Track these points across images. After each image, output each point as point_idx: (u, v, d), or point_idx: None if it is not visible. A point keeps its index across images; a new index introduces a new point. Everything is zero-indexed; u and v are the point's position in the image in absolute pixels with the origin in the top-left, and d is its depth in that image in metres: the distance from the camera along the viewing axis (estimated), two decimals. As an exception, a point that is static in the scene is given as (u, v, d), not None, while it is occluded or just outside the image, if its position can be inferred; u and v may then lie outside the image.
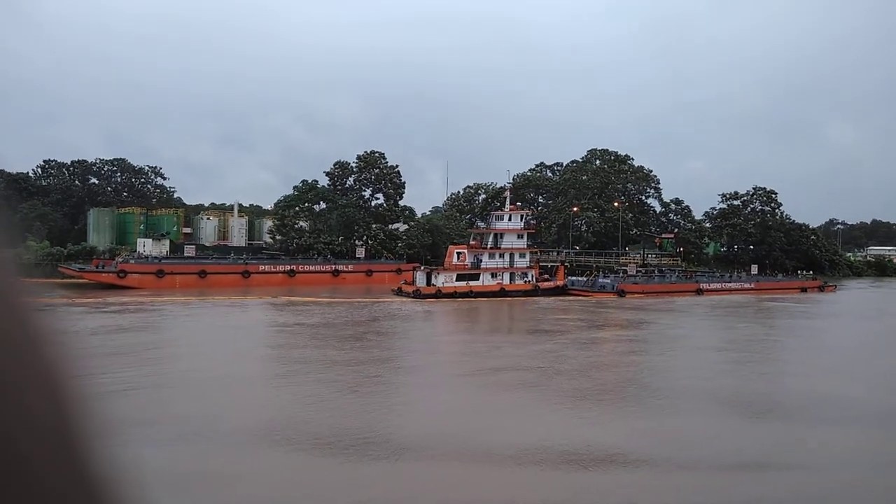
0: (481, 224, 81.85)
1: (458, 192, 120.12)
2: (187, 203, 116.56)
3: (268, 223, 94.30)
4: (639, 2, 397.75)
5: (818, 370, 29.17)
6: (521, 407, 20.88)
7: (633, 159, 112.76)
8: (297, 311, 47.27)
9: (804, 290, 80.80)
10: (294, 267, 74.55)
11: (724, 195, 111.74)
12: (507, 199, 75.26)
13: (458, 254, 67.19)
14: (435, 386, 23.79)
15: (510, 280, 67.92)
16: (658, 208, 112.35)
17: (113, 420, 0.83)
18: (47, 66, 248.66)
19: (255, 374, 25.01)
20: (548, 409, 20.52)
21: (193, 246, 77.88)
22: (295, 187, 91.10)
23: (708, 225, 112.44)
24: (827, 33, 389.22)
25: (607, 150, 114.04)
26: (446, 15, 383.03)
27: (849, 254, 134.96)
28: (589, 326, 42.38)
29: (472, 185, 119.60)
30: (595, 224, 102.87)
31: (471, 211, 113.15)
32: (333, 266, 77.28)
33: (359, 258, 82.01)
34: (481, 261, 67.44)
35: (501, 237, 69.41)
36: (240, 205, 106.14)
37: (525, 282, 68.61)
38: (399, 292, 63.41)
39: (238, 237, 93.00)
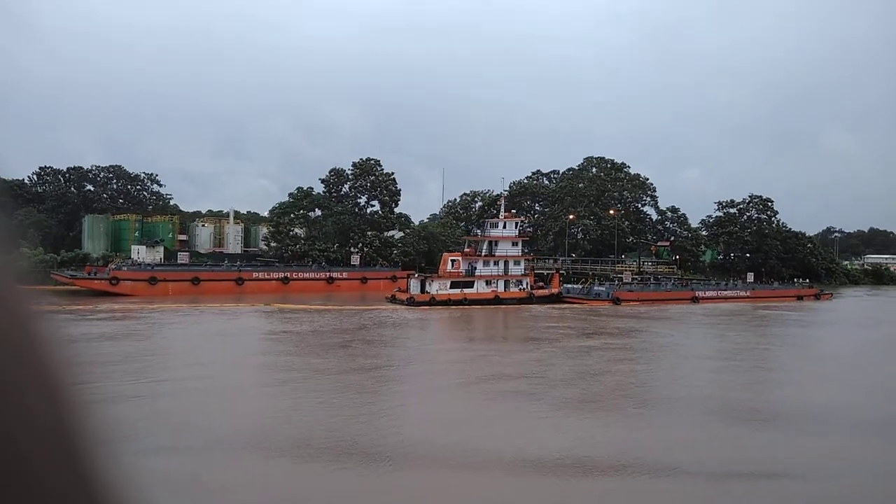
0: (478, 231, 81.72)
1: (455, 199, 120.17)
2: (185, 210, 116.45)
3: (263, 230, 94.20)
4: (637, 12, 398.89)
5: (808, 379, 29.01)
6: (510, 416, 20.70)
7: (629, 167, 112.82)
8: (286, 318, 47.06)
9: (800, 298, 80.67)
10: (288, 274, 74.32)
11: (720, 203, 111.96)
12: (502, 207, 75.14)
13: (453, 261, 66.91)
14: (421, 395, 23.57)
15: (505, 288, 67.69)
16: (654, 216, 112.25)
17: (109, 425, 0.84)
18: (45, 75, 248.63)
19: (239, 383, 24.72)
20: (535, 419, 20.31)
21: (187, 253, 77.69)
22: (290, 194, 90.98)
23: (704, 233, 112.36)
24: (826, 43, 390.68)
25: (603, 157, 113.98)
26: (445, 25, 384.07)
27: (846, 262, 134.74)
28: (579, 335, 42.15)
29: (468, 192, 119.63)
30: (591, 232, 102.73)
31: (467, 219, 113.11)
32: (328, 273, 77.08)
33: (354, 265, 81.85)
34: (476, 268, 67.19)
35: (496, 245, 69.24)
36: (237, 212, 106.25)
37: (520, 289, 68.39)
38: (393, 300, 63.19)
39: (234, 244, 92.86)
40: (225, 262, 75.14)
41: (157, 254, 76.22)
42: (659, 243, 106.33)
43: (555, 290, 70.09)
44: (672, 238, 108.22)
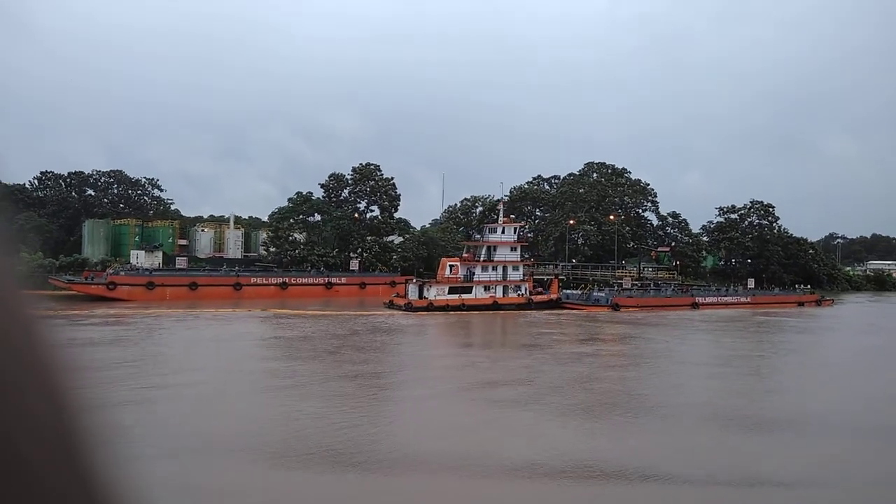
0: (477, 237, 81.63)
1: (456, 204, 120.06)
2: (187, 215, 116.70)
3: (263, 235, 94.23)
4: (637, 17, 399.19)
5: (802, 386, 28.76)
6: (496, 423, 20.50)
7: (629, 172, 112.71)
8: (281, 324, 46.96)
9: (801, 304, 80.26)
10: (286, 279, 74.28)
11: (721, 209, 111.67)
12: (501, 212, 74.98)
13: (451, 266, 66.73)
14: (409, 402, 23.41)
15: (503, 293, 67.49)
16: (655, 222, 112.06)
17: (108, 427, 0.83)
18: (46, 78, 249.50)
19: (226, 390, 24.61)
20: (519, 426, 20.13)
21: (185, 258, 77.75)
22: (289, 199, 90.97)
23: (705, 238, 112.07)
24: (828, 49, 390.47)
25: (604, 163, 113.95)
26: (446, 30, 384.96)
27: (848, 268, 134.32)
28: (573, 341, 41.90)
29: (469, 197, 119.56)
30: (592, 237, 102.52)
31: (468, 224, 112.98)
32: (326, 279, 77.00)
33: (353, 271, 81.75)
34: (474, 273, 67.01)
35: (494, 250, 69.07)
36: (237, 217, 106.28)
37: (518, 295, 68.17)
38: (391, 305, 63.02)
39: (234, 249, 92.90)
40: (223, 268, 75.11)
41: (156, 259, 76.26)
42: (659, 249, 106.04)
43: (554, 296, 69.86)
44: (673, 244, 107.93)
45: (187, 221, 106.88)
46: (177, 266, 73.59)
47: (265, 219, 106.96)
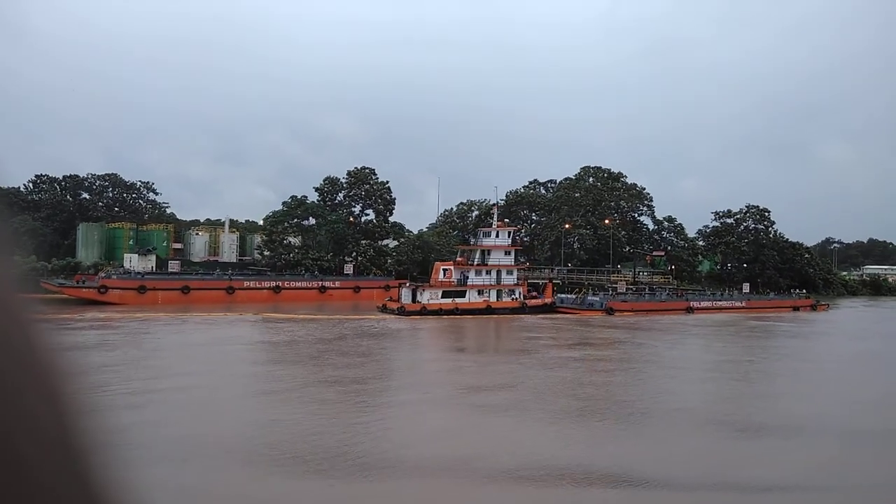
0: (473, 240, 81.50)
1: (452, 208, 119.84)
2: (183, 219, 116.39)
3: (258, 239, 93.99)
4: (637, 25, 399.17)
5: (787, 391, 28.60)
6: (483, 428, 20.39)
7: (626, 177, 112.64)
8: (270, 328, 46.84)
9: (796, 308, 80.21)
10: (280, 283, 74.11)
11: (717, 213, 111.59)
12: (495, 216, 74.83)
13: (445, 270, 66.56)
14: (391, 407, 23.23)
15: (497, 297, 67.34)
16: (651, 226, 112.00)
17: (107, 430, 0.85)
18: (43, 84, 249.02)
19: (202, 395, 24.42)
20: (508, 431, 19.98)
21: (178, 262, 77.46)
22: (284, 203, 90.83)
23: (701, 243, 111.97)
24: (826, 57, 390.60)
25: (600, 167, 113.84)
26: (446, 37, 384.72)
27: (844, 272, 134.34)
28: (563, 346, 41.72)
29: (465, 201, 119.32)
30: (588, 241, 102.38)
31: (464, 228, 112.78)
32: (320, 282, 76.84)
33: (347, 274, 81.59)
34: (468, 278, 66.86)
35: (488, 254, 68.93)
36: (233, 220, 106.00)
37: (512, 299, 68.03)
38: (384, 309, 62.82)
39: (229, 253, 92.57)
40: (216, 271, 74.87)
41: (150, 262, 75.91)
42: (654, 253, 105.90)
43: (548, 300, 69.72)
44: (668, 248, 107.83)
45: (182, 225, 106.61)
46: (169, 269, 73.30)
47: (261, 223, 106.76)
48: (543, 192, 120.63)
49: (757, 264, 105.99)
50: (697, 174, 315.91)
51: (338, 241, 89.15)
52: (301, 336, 41.87)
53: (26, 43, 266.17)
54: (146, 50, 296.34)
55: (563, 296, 73.69)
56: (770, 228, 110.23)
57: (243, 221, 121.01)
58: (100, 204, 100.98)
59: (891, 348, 47.69)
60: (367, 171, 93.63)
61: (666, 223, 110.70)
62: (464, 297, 65.22)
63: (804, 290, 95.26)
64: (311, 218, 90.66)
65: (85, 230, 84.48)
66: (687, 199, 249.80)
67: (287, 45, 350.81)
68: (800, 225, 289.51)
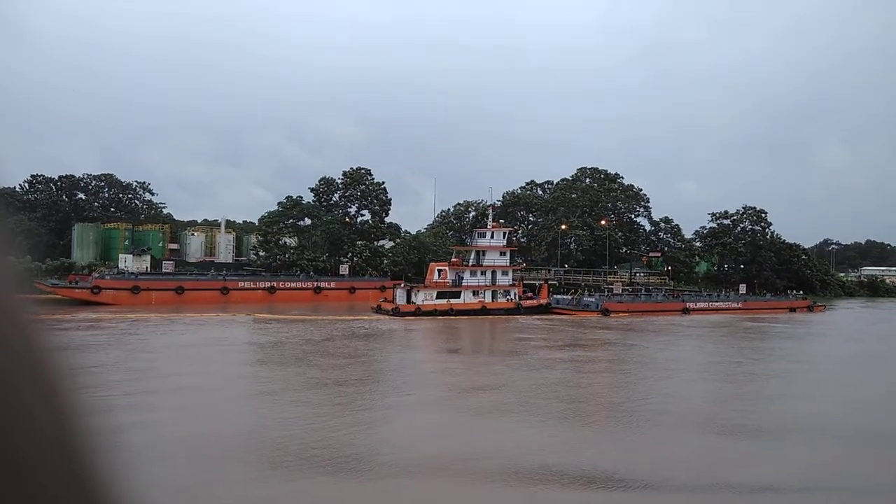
0: (469, 241, 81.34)
1: (449, 209, 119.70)
2: (181, 219, 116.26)
3: (254, 239, 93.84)
4: (635, 29, 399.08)
5: (780, 393, 28.45)
6: (462, 430, 20.24)
7: (622, 178, 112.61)
8: (260, 329, 46.72)
9: (793, 309, 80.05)
10: (275, 284, 73.93)
11: (713, 214, 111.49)
12: (490, 216, 74.66)
13: (440, 271, 66.36)
14: (372, 410, 23.07)
15: (492, 298, 67.15)
16: (648, 227, 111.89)
17: (106, 429, 0.86)
18: (41, 83, 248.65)
19: (175, 398, 24.26)
20: (487, 433, 19.84)
21: (172, 262, 77.28)
22: (279, 203, 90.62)
23: (698, 244, 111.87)
24: (824, 60, 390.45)
25: (597, 168, 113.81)
26: (444, 39, 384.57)
27: (841, 274, 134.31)
28: (555, 347, 41.49)
29: (462, 202, 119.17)
30: (584, 242, 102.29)
31: (461, 228, 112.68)
32: (315, 283, 76.66)
33: (342, 275, 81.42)
34: (463, 278, 66.65)
35: (483, 254, 68.73)
36: (230, 221, 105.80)
37: (507, 300, 67.86)
38: (378, 310, 62.66)
39: (225, 253, 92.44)
40: (211, 272, 74.69)
41: (144, 262, 75.74)
42: (650, 254, 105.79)
43: (543, 301, 69.51)
44: (665, 249, 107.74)
45: (179, 225, 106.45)
46: (163, 270, 73.09)
47: (258, 223, 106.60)
48: (540, 193, 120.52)
49: (754, 265, 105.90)
50: (696, 176, 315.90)
51: (333, 242, 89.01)
52: (290, 337, 41.63)
53: (26, 43, 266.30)
54: (146, 50, 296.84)
55: (558, 297, 73.48)
56: (767, 230, 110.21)
57: (240, 222, 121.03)
58: (96, 204, 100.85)
59: (885, 349, 47.54)
60: (363, 171, 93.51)
61: (663, 224, 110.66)
62: (459, 297, 65.02)
63: (801, 292, 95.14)
64: (306, 218, 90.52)
65: (80, 230, 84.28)
66: (686, 201, 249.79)
67: (286, 46, 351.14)
68: (798, 226, 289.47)
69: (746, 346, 45.54)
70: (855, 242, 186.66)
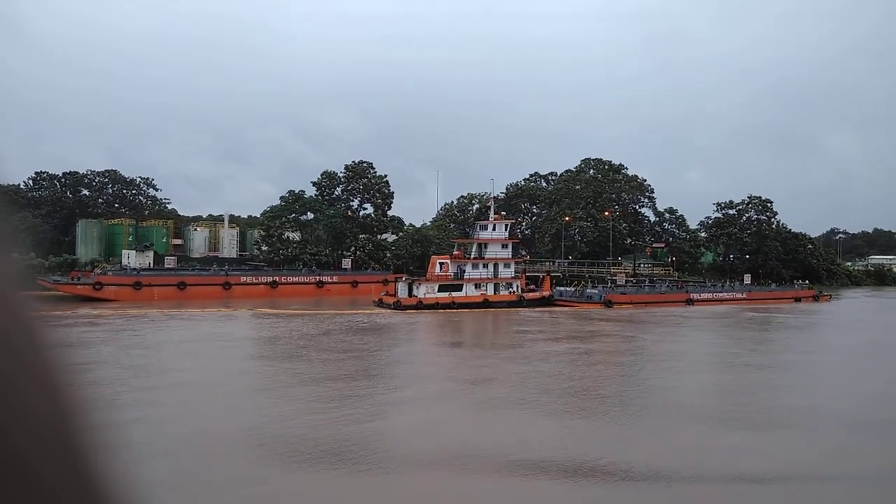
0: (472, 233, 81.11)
1: (453, 202, 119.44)
2: (187, 215, 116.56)
3: (257, 234, 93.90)
4: (638, 16, 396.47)
5: (775, 384, 28.21)
6: (449, 423, 20.16)
7: (626, 168, 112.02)
8: (260, 324, 46.65)
9: (798, 299, 79.57)
10: (276, 278, 74.00)
11: (718, 204, 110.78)
12: (492, 208, 74.43)
13: (441, 264, 66.23)
14: (357, 403, 23.01)
15: (494, 291, 66.99)
16: (652, 218, 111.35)
17: (108, 427, 0.87)
18: (46, 83, 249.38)
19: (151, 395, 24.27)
20: (471, 425, 19.76)
21: (174, 257, 77.46)
22: (281, 197, 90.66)
23: (703, 234, 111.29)
24: (829, 46, 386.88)
25: (601, 159, 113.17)
26: (445, 31, 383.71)
27: (848, 263, 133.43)
28: (553, 339, 41.28)
29: (466, 195, 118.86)
30: (588, 234, 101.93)
31: (464, 221, 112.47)
32: (318, 277, 76.69)
33: (345, 269, 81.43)
34: (465, 271, 66.50)
35: (485, 247, 68.49)
36: (235, 216, 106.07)
37: (510, 292, 67.67)
38: (380, 303, 62.57)
39: (229, 248, 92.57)
40: (213, 267, 74.83)
41: (147, 258, 75.93)
42: (654, 245, 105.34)
43: (546, 293, 69.30)
44: (670, 239, 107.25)
45: (183, 221, 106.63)
46: (165, 265, 73.26)
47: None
48: (544, 184, 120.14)
49: (759, 255, 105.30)
50: (702, 166, 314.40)
51: (336, 236, 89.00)
52: (289, 332, 41.50)
53: (29, 42, 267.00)
54: (148, 48, 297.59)
55: (562, 288, 73.27)
56: (773, 219, 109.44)
57: (246, 217, 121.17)
58: (100, 200, 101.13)
59: (890, 339, 47.15)
60: (365, 164, 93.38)
61: (667, 214, 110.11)
62: (460, 290, 64.89)
63: (807, 281, 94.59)
64: (309, 213, 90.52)
65: (84, 227, 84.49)
66: (692, 191, 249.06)
67: (290, 42, 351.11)
68: (805, 215, 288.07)
69: (746, 337, 45.25)
70: (862, 231, 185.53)
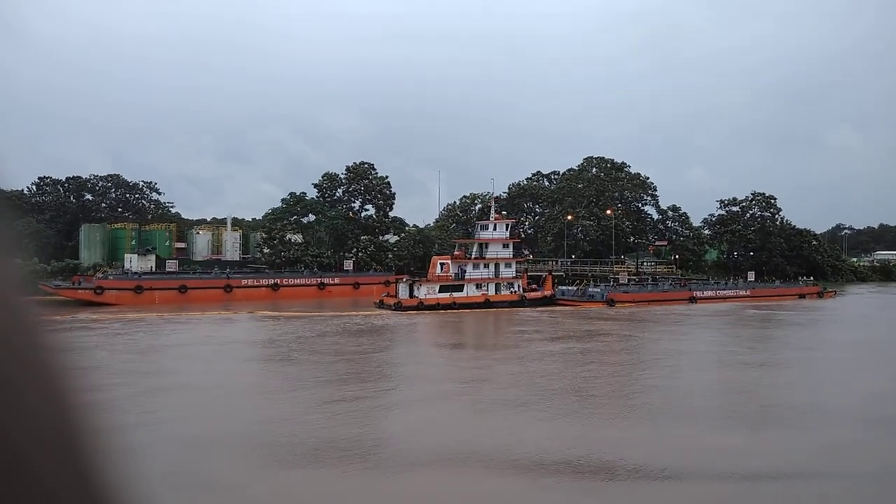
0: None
1: (455, 202, 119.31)
2: (190, 218, 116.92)
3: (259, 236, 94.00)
4: (637, 15, 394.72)
5: (770, 382, 28.02)
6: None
7: (629, 167, 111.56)
8: (259, 326, 46.63)
9: (802, 296, 79.08)
10: (278, 281, 74.01)
11: (722, 201, 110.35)
12: (492, 208, 74.27)
13: (442, 265, 66.09)
14: (335, 405, 22.95)
15: (496, 291, 66.83)
16: (655, 216, 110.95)
17: (110, 427, 0.87)
18: (46, 86, 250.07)
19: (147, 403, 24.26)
20: (451, 425, 19.69)
21: (175, 261, 77.62)
22: (283, 200, 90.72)
23: (707, 232, 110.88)
24: (830, 42, 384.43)
25: (603, 157, 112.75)
26: (446, 31, 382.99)
27: (854, 259, 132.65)
28: (549, 339, 40.98)
29: (468, 195, 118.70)
30: (591, 232, 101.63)
31: (467, 221, 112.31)
32: (319, 279, 76.66)
33: (347, 270, 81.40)
34: (465, 271, 66.36)
35: (486, 247, 68.33)
36: (239, 218, 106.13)
37: (511, 292, 67.48)
38: (381, 305, 62.46)
39: (232, 251, 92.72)
40: (214, 270, 74.92)
41: (149, 262, 76.05)
42: (657, 243, 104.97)
43: (547, 293, 69.08)
44: (673, 237, 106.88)
45: (186, 224, 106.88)
46: (167, 269, 73.39)
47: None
48: (547, 183, 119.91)
49: (764, 252, 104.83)
50: (705, 163, 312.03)
51: (338, 238, 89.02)
52: (288, 334, 41.32)
53: (26, 45, 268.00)
54: (148, 49, 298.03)
55: (564, 288, 73.05)
56: (777, 216, 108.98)
57: (249, 219, 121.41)
58: (103, 205, 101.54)
59: (893, 336, 46.76)
60: (366, 165, 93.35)
61: (670, 212, 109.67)
62: (461, 291, 64.75)
63: (811, 278, 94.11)
64: (310, 214, 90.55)
65: (87, 231, 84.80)
66: (695, 188, 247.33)
67: (289, 42, 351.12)
68: (810, 212, 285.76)
69: (745, 335, 44.95)
70: (868, 227, 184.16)
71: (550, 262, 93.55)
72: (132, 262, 75.11)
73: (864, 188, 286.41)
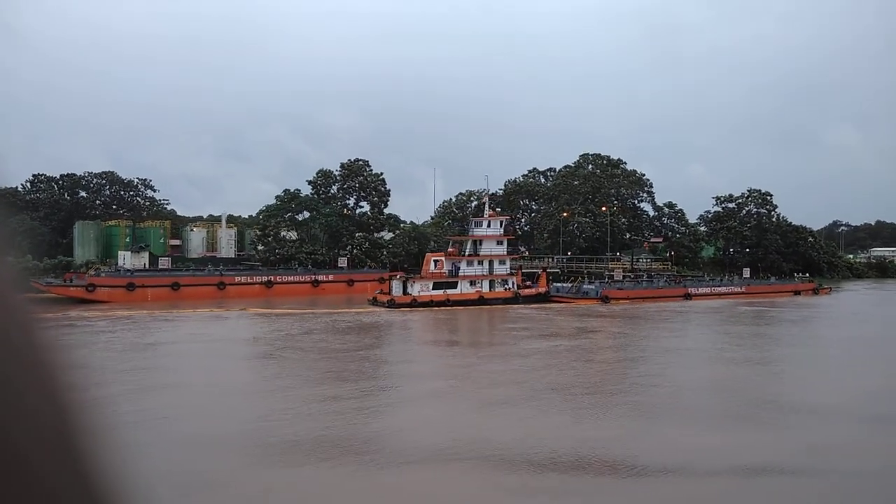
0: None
1: (451, 199, 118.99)
2: (190, 215, 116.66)
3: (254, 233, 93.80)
4: (636, 13, 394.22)
5: (759, 379, 27.90)
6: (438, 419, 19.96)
7: (625, 163, 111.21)
8: (250, 323, 46.43)
9: (797, 292, 79.07)
10: (271, 278, 73.81)
11: (718, 198, 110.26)
12: (486, 205, 74.07)
13: (436, 262, 65.89)
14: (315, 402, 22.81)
15: (489, 288, 66.67)
16: (651, 212, 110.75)
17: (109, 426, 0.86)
18: (44, 85, 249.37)
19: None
20: (432, 421, 19.56)
21: (168, 258, 77.35)
22: (277, 197, 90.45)
23: (703, 228, 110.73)
24: (829, 41, 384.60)
25: (599, 154, 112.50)
26: (445, 30, 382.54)
27: (850, 255, 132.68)
28: (537, 336, 40.79)
29: (464, 192, 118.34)
30: (587, 229, 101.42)
31: (463, 218, 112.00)
32: (313, 276, 76.47)
33: (341, 268, 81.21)
34: (459, 269, 66.19)
35: (480, 244, 68.20)
36: (235, 216, 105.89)
37: (505, 289, 67.33)
38: (374, 302, 62.36)
39: (227, 248, 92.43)
40: (208, 267, 74.67)
41: (143, 259, 75.77)
42: (653, 239, 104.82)
43: (542, 290, 68.91)
44: (669, 234, 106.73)
45: (181, 221, 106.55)
46: (160, 266, 73.13)
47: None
48: (543, 180, 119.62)
49: (760, 249, 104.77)
50: (702, 162, 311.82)
51: (332, 235, 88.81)
52: (278, 332, 41.16)
53: (24, 44, 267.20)
54: (146, 49, 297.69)
55: (558, 284, 72.88)
56: (773, 212, 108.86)
57: (246, 217, 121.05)
58: (97, 202, 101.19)
59: (888, 333, 46.63)
60: (361, 163, 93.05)
61: (666, 209, 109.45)
62: (455, 288, 64.59)
63: (807, 274, 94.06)
64: (305, 211, 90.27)
65: (81, 228, 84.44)
66: (694, 185, 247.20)
67: (289, 40, 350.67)
68: (807, 209, 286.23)
69: (735, 332, 44.80)
70: (865, 223, 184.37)
71: (546, 259, 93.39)
72: (125, 259, 74.83)
73: (863, 185, 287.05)
